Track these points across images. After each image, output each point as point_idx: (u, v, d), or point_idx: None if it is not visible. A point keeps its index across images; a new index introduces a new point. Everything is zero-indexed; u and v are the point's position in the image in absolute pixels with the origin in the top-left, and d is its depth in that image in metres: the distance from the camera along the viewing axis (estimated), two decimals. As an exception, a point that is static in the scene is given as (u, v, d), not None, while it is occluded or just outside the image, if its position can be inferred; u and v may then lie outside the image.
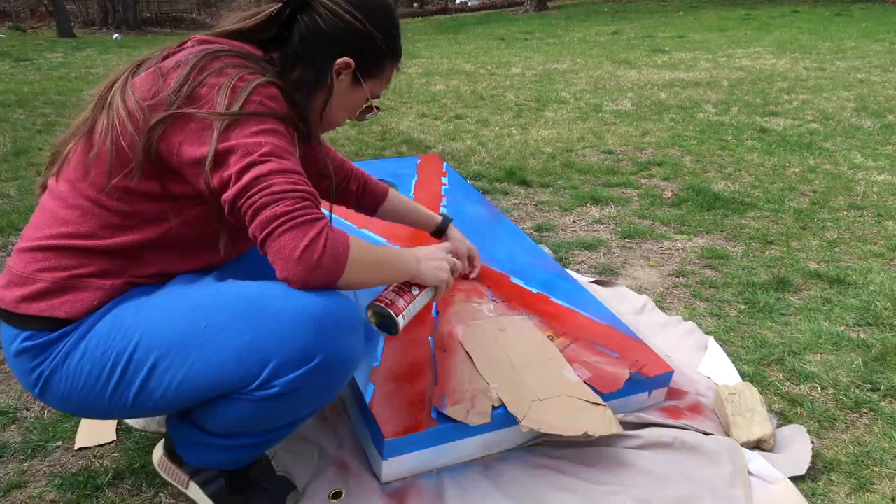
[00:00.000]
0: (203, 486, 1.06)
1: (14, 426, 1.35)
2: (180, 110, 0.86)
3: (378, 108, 1.13)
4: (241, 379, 0.86)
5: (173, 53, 0.95)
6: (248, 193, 0.83)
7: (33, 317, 0.90)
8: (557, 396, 1.24)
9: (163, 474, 1.10)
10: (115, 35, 13.07)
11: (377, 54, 1.04)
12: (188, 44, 0.97)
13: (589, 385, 1.29)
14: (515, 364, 1.32)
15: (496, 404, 1.22)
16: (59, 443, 1.30)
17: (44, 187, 0.99)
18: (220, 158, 0.84)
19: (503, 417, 1.21)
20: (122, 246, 0.93)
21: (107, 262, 0.93)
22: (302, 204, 0.84)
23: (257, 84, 0.89)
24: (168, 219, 0.94)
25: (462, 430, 1.19)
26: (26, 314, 0.90)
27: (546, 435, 1.25)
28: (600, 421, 1.21)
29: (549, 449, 1.27)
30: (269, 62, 0.98)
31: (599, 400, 1.25)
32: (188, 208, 0.94)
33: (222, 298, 0.90)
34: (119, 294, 0.94)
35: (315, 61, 1.00)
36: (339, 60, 1.00)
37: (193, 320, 0.87)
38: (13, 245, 2.31)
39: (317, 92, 1.02)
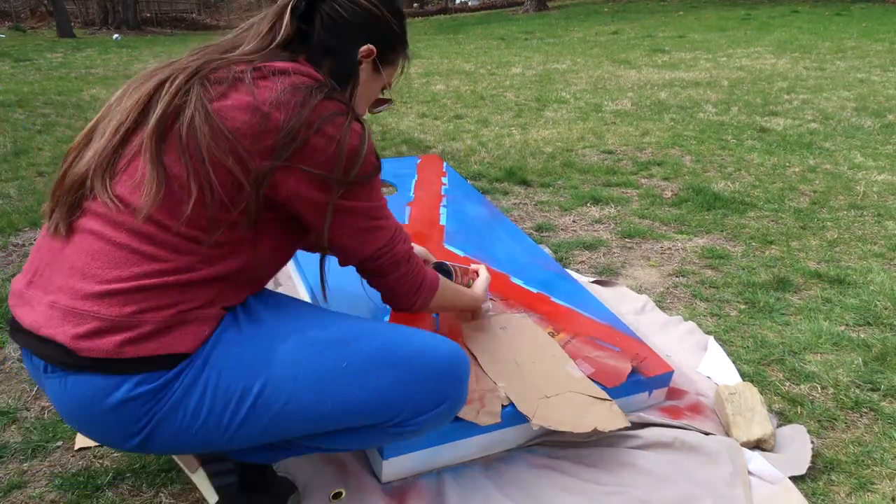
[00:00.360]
0: (213, 476, 1.06)
1: (14, 426, 1.35)
2: (297, 165, 0.85)
3: (391, 100, 1.13)
4: (380, 419, 0.95)
5: (239, 79, 0.86)
6: (378, 260, 1.00)
7: (145, 358, 0.83)
8: (564, 393, 1.25)
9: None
10: (115, 35, 13.07)
11: (392, 39, 1.04)
12: (259, 72, 0.87)
13: (592, 380, 1.29)
14: (520, 362, 1.32)
15: (505, 403, 1.22)
16: (60, 443, 1.30)
17: (72, 214, 0.88)
18: (344, 214, 0.93)
19: (508, 416, 1.21)
20: (220, 274, 0.89)
21: (208, 292, 0.88)
22: (413, 262, 1.05)
23: (369, 143, 0.92)
24: (257, 241, 0.92)
25: (462, 429, 1.19)
26: (137, 357, 0.83)
27: (554, 433, 1.25)
28: (608, 416, 1.21)
29: (550, 449, 1.27)
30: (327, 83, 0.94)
31: (605, 395, 1.25)
32: (274, 229, 0.93)
33: (352, 335, 0.96)
34: (220, 321, 0.91)
35: (343, 51, 0.98)
36: (363, 48, 0.99)
37: (331, 358, 0.92)
38: (13, 245, 2.31)
39: (346, 84, 1.00)
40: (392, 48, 1.05)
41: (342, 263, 1.03)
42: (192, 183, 0.83)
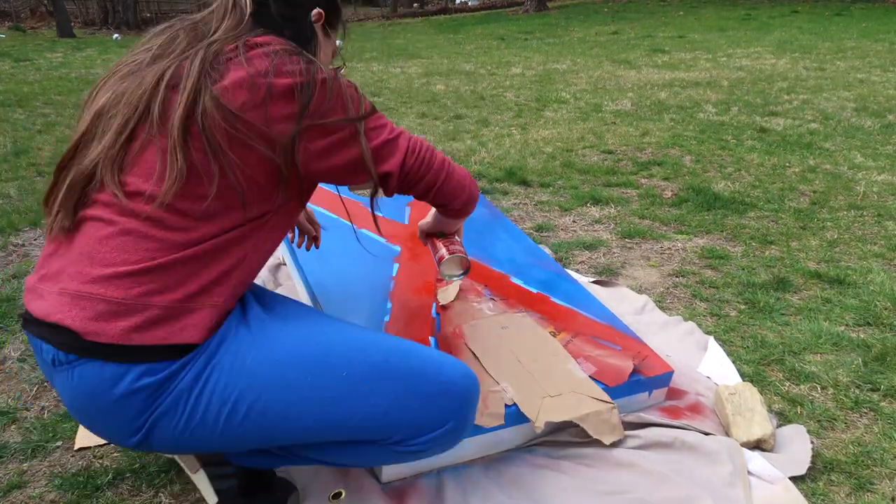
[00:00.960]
0: (213, 479, 1.06)
1: (14, 426, 1.35)
2: (318, 122, 0.88)
3: (343, 66, 1.14)
4: (379, 435, 0.93)
5: (234, 57, 0.87)
6: (414, 158, 0.98)
7: (151, 347, 0.82)
8: (567, 393, 1.25)
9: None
10: (115, 35, 13.06)
11: (335, 2, 1.07)
12: (241, 49, 0.88)
13: (594, 379, 1.29)
14: (522, 361, 1.32)
15: (508, 403, 1.22)
16: (59, 443, 1.30)
17: (71, 220, 0.87)
18: (379, 150, 0.94)
19: (510, 416, 1.21)
20: (229, 259, 0.89)
21: (212, 270, 0.87)
22: (436, 150, 1.03)
23: (355, 86, 0.95)
24: (270, 217, 0.94)
25: (462, 430, 1.19)
26: (143, 345, 0.82)
27: (555, 432, 1.25)
28: (605, 427, 1.22)
29: (550, 449, 1.27)
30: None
31: (607, 397, 1.25)
32: (290, 203, 0.96)
33: (355, 345, 0.94)
34: (227, 314, 0.91)
35: (298, 18, 1.00)
36: (314, 12, 1.02)
37: (331, 369, 0.90)
38: (13, 245, 2.31)
39: (309, 49, 1.03)
40: (335, 11, 1.08)
41: (389, 187, 1.00)
42: (214, 167, 0.84)
